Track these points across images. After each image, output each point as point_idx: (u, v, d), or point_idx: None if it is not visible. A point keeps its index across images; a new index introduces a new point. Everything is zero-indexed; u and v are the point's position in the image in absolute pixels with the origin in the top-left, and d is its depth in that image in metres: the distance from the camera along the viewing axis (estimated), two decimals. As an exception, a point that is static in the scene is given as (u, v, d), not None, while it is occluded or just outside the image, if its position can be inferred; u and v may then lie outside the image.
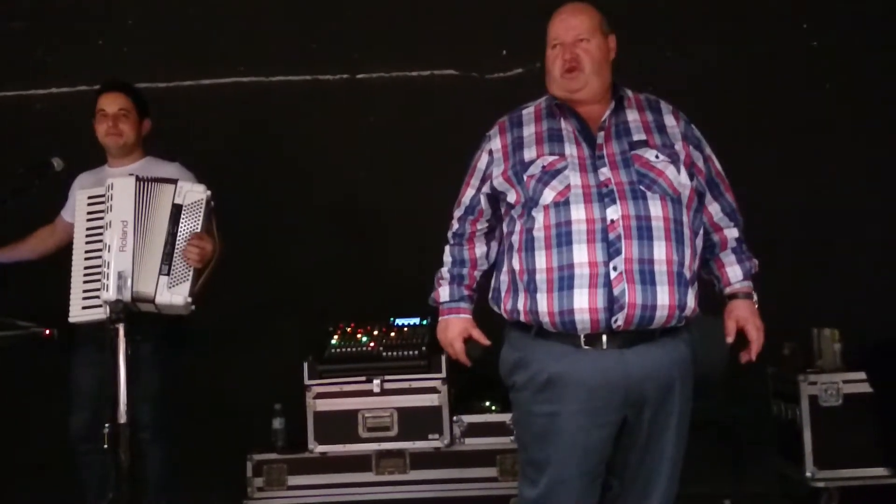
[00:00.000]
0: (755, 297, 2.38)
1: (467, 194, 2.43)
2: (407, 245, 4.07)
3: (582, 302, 2.18)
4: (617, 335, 2.20)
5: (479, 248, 2.44)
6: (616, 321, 2.18)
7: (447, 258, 2.46)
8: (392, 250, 4.12)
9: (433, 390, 3.68)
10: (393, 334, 3.81)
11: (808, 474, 3.55)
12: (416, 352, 3.71)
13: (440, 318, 2.45)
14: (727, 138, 3.89)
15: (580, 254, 2.19)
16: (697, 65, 4.13)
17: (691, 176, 2.31)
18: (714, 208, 2.39)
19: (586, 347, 2.21)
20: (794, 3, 4.12)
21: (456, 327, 2.40)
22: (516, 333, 2.31)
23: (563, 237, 2.21)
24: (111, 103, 3.31)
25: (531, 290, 2.23)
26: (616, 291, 2.17)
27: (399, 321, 3.85)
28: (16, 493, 3.99)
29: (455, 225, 2.45)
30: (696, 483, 3.54)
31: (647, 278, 2.18)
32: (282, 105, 4.23)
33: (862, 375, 3.57)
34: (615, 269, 2.18)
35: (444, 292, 2.43)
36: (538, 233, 2.24)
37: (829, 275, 3.95)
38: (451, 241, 2.46)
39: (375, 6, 4.21)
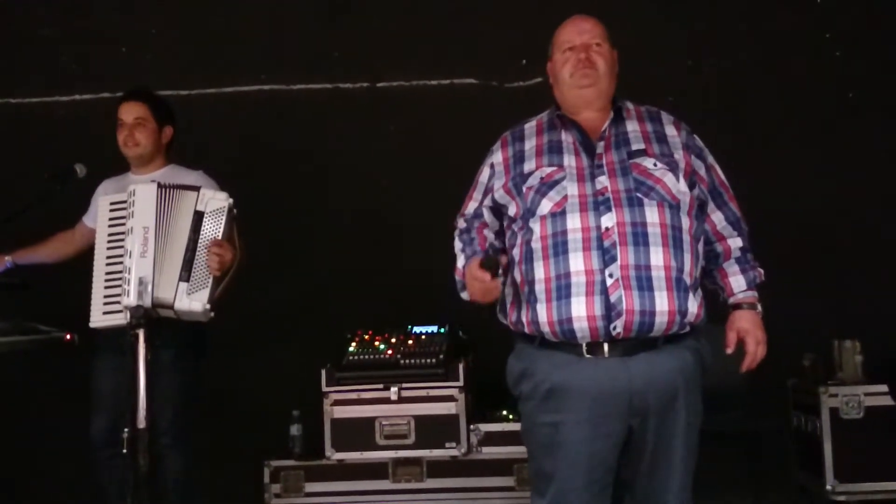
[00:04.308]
0: (759, 308, 2.35)
1: (470, 206, 2.44)
2: (425, 253, 4.04)
3: (580, 310, 2.18)
4: (618, 343, 2.19)
5: (489, 234, 2.39)
6: (615, 328, 2.18)
7: (458, 244, 2.41)
8: (410, 258, 4.12)
9: (450, 398, 3.68)
10: (410, 342, 3.81)
11: (829, 487, 3.52)
12: (434, 360, 3.71)
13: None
14: (749, 148, 3.92)
15: (576, 262, 2.19)
16: (719, 74, 4.12)
17: (692, 185, 2.31)
18: (717, 217, 2.38)
19: (588, 356, 2.20)
20: (816, 14, 4.10)
21: (470, 264, 2.27)
22: (521, 344, 2.31)
23: (559, 247, 2.21)
24: (128, 112, 3.33)
25: (531, 301, 2.24)
26: (613, 298, 2.17)
27: (417, 329, 3.85)
28: (35, 497, 4.02)
29: (462, 223, 2.43)
30: (716, 495, 3.53)
31: (645, 284, 2.17)
32: (303, 113, 4.26)
33: (883, 388, 3.54)
34: (611, 276, 2.17)
35: (460, 262, 2.37)
36: (536, 244, 2.24)
37: (851, 286, 3.92)
38: (459, 235, 2.42)
39: (396, 15, 4.23)
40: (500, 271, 2.21)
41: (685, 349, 2.25)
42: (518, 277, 2.28)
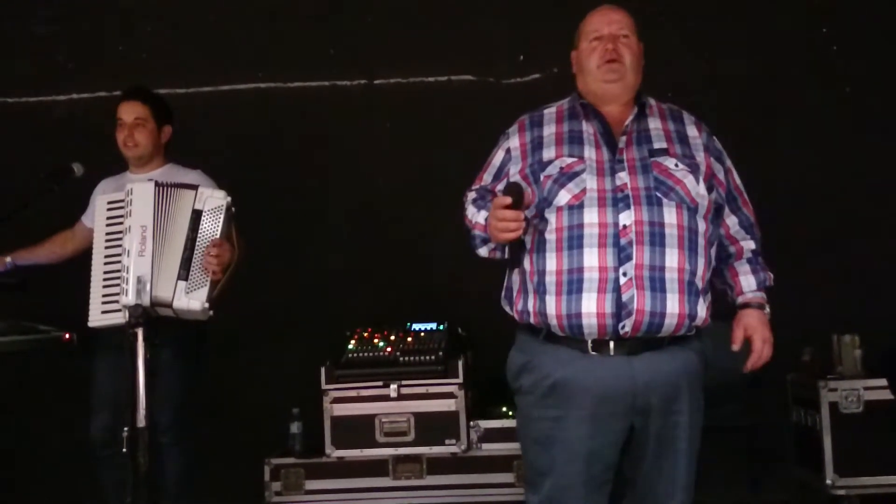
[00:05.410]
0: (767, 309, 2.36)
1: (480, 186, 2.40)
2: (424, 250, 4.07)
3: (590, 306, 2.16)
4: (624, 342, 2.19)
5: None
6: (623, 327, 2.17)
7: (471, 209, 2.34)
8: (409, 255, 4.12)
9: (450, 395, 3.68)
10: (410, 339, 3.81)
11: (829, 482, 3.52)
12: (433, 357, 3.71)
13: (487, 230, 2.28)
14: (747, 142, 3.90)
15: (590, 258, 2.18)
16: (717, 69, 4.11)
17: (711, 188, 2.30)
18: (732, 221, 2.38)
19: (593, 353, 2.20)
20: (813, 8, 4.10)
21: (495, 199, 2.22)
22: (525, 337, 2.29)
23: (574, 240, 2.20)
24: (128, 112, 3.34)
25: (540, 291, 2.22)
26: (625, 297, 2.16)
27: (416, 326, 3.85)
28: (35, 497, 4.02)
29: (473, 194, 2.38)
30: (715, 491, 3.52)
31: (658, 285, 2.17)
32: (300, 110, 4.25)
33: (883, 382, 3.54)
34: (625, 274, 2.16)
35: (480, 216, 2.29)
36: (550, 235, 2.22)
37: (850, 280, 3.92)
38: (473, 202, 2.36)
39: (393, 12, 4.22)
40: (524, 206, 2.15)
41: (690, 350, 2.25)
42: (527, 267, 2.26)
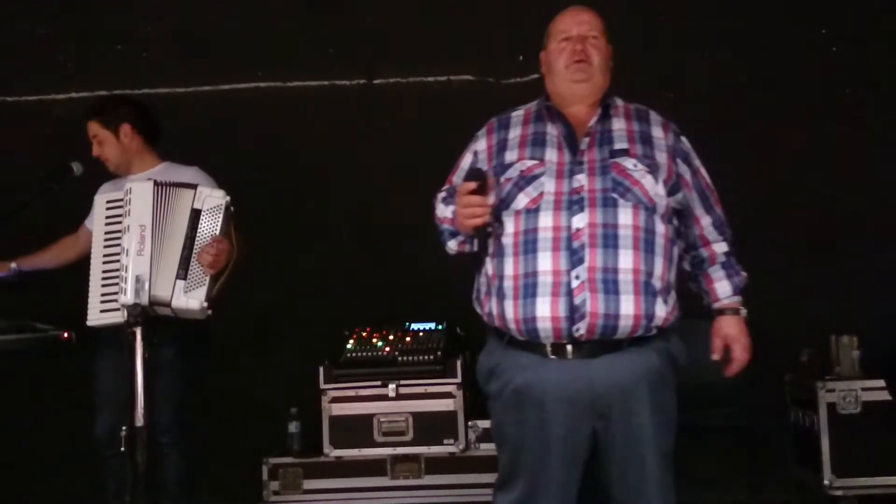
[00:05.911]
0: (744, 312, 2.36)
1: (449, 186, 2.42)
2: (422, 250, 4.06)
3: (544, 310, 2.17)
4: (582, 345, 2.19)
5: None
6: (578, 330, 2.17)
7: (441, 207, 2.37)
8: (408, 255, 4.12)
9: (448, 395, 3.69)
10: (408, 339, 3.82)
11: (826, 482, 3.53)
12: (432, 356, 3.72)
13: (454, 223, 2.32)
14: (744, 143, 3.92)
15: (544, 262, 2.19)
16: (716, 70, 4.11)
17: (674, 190, 2.30)
18: (705, 221, 2.37)
19: (552, 357, 2.20)
20: (813, 10, 4.10)
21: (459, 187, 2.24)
22: (493, 341, 2.32)
23: (529, 245, 2.21)
24: (89, 133, 3.34)
25: (500, 296, 2.24)
26: (577, 300, 2.16)
27: (414, 326, 3.86)
28: (34, 496, 4.02)
29: (443, 193, 2.40)
30: (713, 491, 3.53)
31: (611, 287, 2.17)
32: (299, 110, 4.25)
33: (881, 383, 3.54)
34: (577, 277, 2.17)
35: (448, 211, 2.33)
36: (507, 239, 2.24)
37: (849, 281, 3.92)
38: (443, 200, 2.39)
39: (393, 12, 4.23)
40: (488, 191, 2.17)
41: (651, 351, 2.24)
42: (490, 271, 2.28)
